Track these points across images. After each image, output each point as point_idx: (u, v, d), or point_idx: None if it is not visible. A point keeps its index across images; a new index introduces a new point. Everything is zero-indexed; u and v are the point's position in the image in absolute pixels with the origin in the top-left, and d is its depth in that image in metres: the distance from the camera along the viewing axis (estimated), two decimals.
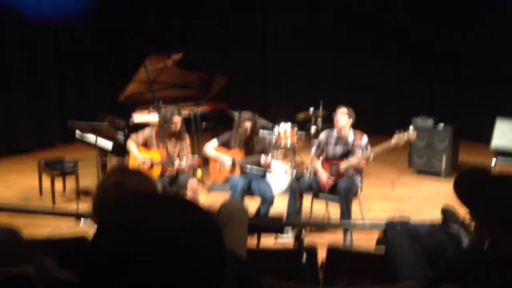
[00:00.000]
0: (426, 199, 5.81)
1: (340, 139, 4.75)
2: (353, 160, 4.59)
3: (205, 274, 0.83)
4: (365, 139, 4.70)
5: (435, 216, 3.00)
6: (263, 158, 4.74)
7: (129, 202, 0.91)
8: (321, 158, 4.92)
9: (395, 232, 2.80)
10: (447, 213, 2.63)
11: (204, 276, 0.83)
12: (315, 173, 4.83)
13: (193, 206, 0.90)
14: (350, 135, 4.72)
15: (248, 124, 4.82)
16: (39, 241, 2.38)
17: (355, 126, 4.77)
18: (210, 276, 0.84)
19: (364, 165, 4.73)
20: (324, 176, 4.70)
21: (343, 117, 4.65)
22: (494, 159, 6.24)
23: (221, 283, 0.86)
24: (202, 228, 0.86)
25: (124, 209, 0.88)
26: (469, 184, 1.79)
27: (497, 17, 8.28)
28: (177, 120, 4.79)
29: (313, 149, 5.00)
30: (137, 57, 6.13)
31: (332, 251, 2.42)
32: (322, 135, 4.92)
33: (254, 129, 4.90)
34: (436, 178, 6.65)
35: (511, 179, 1.72)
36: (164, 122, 4.84)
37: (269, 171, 4.93)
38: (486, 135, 6.54)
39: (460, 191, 1.78)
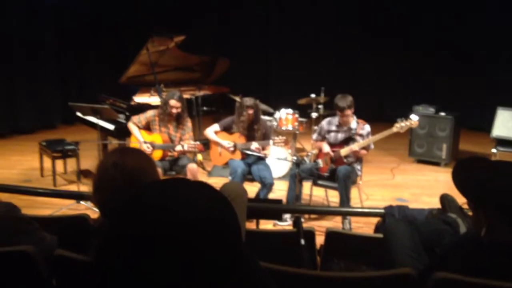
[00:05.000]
0: (425, 188, 5.83)
1: (342, 126, 4.75)
2: (354, 147, 4.60)
3: (221, 262, 0.83)
4: (367, 128, 4.70)
5: (433, 204, 3.00)
6: (254, 145, 4.74)
7: (153, 184, 0.91)
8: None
9: (393, 219, 2.82)
10: (445, 200, 2.65)
11: (220, 265, 0.83)
12: (315, 159, 4.84)
13: (214, 193, 0.90)
14: (353, 123, 4.72)
15: (250, 112, 4.82)
16: (39, 218, 2.40)
17: (356, 113, 4.77)
18: (226, 265, 0.84)
19: (364, 154, 4.74)
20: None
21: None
22: (494, 149, 6.25)
23: (237, 273, 0.86)
24: (223, 217, 0.86)
25: (149, 191, 0.88)
26: (467, 172, 1.80)
27: (498, 4, 8.21)
28: (174, 104, 4.78)
29: (315, 135, 5.01)
30: (139, 39, 6.10)
31: (331, 234, 2.44)
32: (324, 122, 4.91)
33: (256, 116, 4.90)
34: (435, 166, 6.66)
35: (509, 167, 1.73)
36: (164, 106, 4.85)
37: (267, 156, 4.94)
38: (487, 125, 6.54)
39: (458, 178, 1.79)
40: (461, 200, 2.43)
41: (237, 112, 4.95)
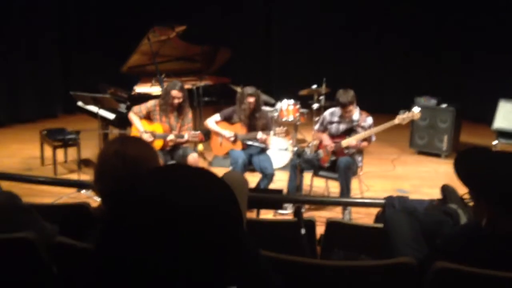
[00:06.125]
0: (426, 179, 5.83)
1: (345, 118, 4.73)
2: (355, 138, 4.59)
3: (222, 250, 0.83)
4: (369, 120, 4.69)
5: (434, 196, 3.00)
6: (259, 135, 4.74)
7: (156, 172, 0.91)
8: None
9: (393, 209, 2.82)
10: (446, 191, 2.65)
11: (221, 252, 0.83)
12: (316, 150, 4.84)
13: (216, 181, 0.89)
14: (355, 114, 4.70)
15: (251, 100, 4.81)
16: (40, 207, 2.40)
17: (358, 104, 4.75)
18: (227, 252, 0.84)
19: (366, 146, 4.74)
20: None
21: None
22: (496, 141, 6.24)
23: (239, 262, 0.86)
24: (224, 204, 0.86)
25: (151, 179, 0.88)
26: (469, 162, 1.80)
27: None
28: (176, 94, 4.77)
29: (316, 126, 5.00)
30: (141, 28, 6.07)
31: (331, 224, 2.45)
32: (327, 113, 4.90)
33: (257, 105, 4.89)
34: (436, 158, 6.66)
35: (510, 157, 1.72)
36: (166, 96, 4.84)
37: (268, 147, 4.94)
38: (488, 116, 6.52)
39: (460, 169, 1.79)
40: (462, 191, 2.43)
41: (238, 102, 4.95)
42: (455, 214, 2.35)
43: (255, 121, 4.89)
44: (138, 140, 1.79)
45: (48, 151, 5.86)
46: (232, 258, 0.85)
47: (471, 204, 2.14)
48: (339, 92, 4.64)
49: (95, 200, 4.30)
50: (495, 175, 1.66)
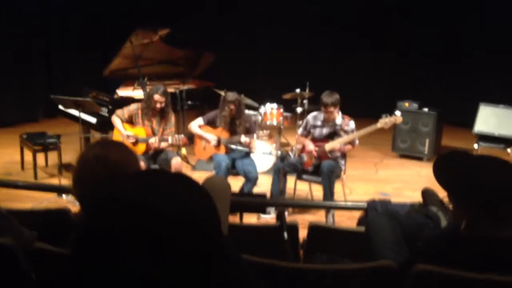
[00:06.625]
0: (408, 182, 5.89)
1: (328, 122, 4.76)
2: (338, 142, 4.62)
3: (201, 257, 0.82)
4: (352, 124, 4.73)
5: (415, 199, 3.03)
6: (243, 138, 4.75)
7: (135, 177, 0.90)
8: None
9: (375, 212, 2.84)
10: (426, 194, 2.67)
11: (200, 258, 0.82)
12: (300, 154, 4.85)
13: (196, 187, 0.89)
14: (338, 118, 4.74)
15: (231, 107, 4.81)
16: (18, 212, 2.36)
17: (341, 108, 4.78)
18: (206, 258, 0.83)
19: (350, 149, 4.77)
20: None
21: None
22: (476, 144, 6.33)
23: (218, 268, 0.86)
24: (202, 210, 0.86)
25: (130, 184, 0.87)
26: (448, 165, 1.82)
27: (479, 2, 8.32)
28: (158, 98, 4.75)
29: (300, 130, 5.02)
30: (123, 31, 6.03)
31: (314, 228, 2.45)
32: (310, 117, 4.93)
33: (238, 111, 4.89)
34: (418, 161, 6.73)
35: (489, 161, 1.75)
36: (148, 100, 4.82)
37: (252, 151, 4.94)
38: (469, 120, 6.62)
39: (439, 172, 1.81)
40: (442, 193, 2.46)
41: (220, 107, 4.94)
42: (435, 217, 2.38)
43: (235, 127, 4.89)
44: (119, 144, 1.77)
45: (28, 155, 5.78)
46: (213, 263, 0.85)
47: (450, 207, 2.17)
48: (325, 92, 4.67)
49: (75, 205, 4.24)
50: (474, 180, 1.68)
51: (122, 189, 0.86)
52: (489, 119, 6.29)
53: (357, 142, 4.76)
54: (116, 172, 1.59)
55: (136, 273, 0.78)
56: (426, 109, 6.76)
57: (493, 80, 8.02)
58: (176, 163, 4.77)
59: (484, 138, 6.32)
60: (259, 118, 6.38)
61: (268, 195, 4.71)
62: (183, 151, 6.42)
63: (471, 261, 1.66)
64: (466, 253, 1.69)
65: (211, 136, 4.90)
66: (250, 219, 4.45)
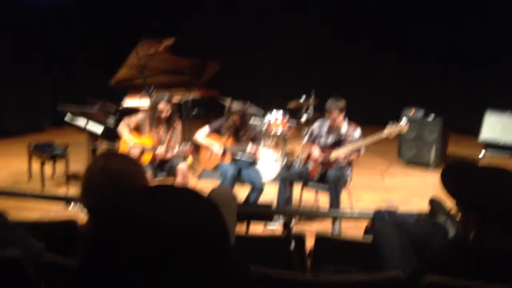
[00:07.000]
0: (414, 190, 5.86)
1: (333, 129, 4.75)
2: (343, 151, 4.61)
3: (209, 269, 0.83)
4: (358, 132, 4.70)
5: (422, 207, 3.02)
6: (249, 147, 4.75)
7: (141, 191, 0.91)
8: None
9: (382, 222, 2.83)
10: (434, 203, 2.66)
11: (209, 271, 0.82)
12: (306, 162, 4.85)
13: (203, 200, 0.89)
14: (344, 126, 4.72)
15: (235, 118, 4.81)
16: (27, 224, 2.37)
17: (347, 116, 4.77)
18: (215, 271, 0.84)
19: (356, 157, 4.75)
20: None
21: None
22: (482, 152, 6.30)
23: (226, 280, 0.86)
24: (210, 224, 0.86)
25: (138, 198, 0.88)
26: (456, 176, 1.81)
27: (486, 9, 8.31)
28: (163, 107, 4.77)
29: (305, 138, 5.01)
30: (129, 42, 6.07)
31: (321, 239, 2.45)
32: (315, 125, 4.92)
33: (243, 121, 4.89)
34: (424, 169, 6.71)
35: (498, 171, 1.74)
36: (153, 108, 4.84)
37: (257, 160, 4.94)
38: (475, 128, 6.59)
39: (447, 182, 1.81)
40: (449, 202, 2.45)
41: (225, 116, 4.95)
42: (443, 227, 2.36)
43: (240, 137, 4.90)
44: (125, 157, 1.79)
45: (36, 165, 5.80)
46: (220, 275, 0.85)
47: (459, 216, 2.16)
48: (331, 98, 4.67)
49: (83, 215, 4.25)
50: (483, 190, 1.67)
51: (130, 202, 0.87)
52: (495, 126, 6.27)
53: (362, 150, 4.74)
54: (121, 183, 1.60)
55: (144, 285, 0.78)
56: (431, 117, 6.73)
57: (499, 87, 8.00)
58: (182, 169, 4.78)
59: (490, 145, 6.29)
60: (264, 126, 6.37)
61: (274, 203, 4.70)
62: (189, 160, 6.43)
63: (480, 271, 1.65)
64: (474, 263, 1.68)
65: (217, 146, 4.90)
66: (257, 227, 4.44)
